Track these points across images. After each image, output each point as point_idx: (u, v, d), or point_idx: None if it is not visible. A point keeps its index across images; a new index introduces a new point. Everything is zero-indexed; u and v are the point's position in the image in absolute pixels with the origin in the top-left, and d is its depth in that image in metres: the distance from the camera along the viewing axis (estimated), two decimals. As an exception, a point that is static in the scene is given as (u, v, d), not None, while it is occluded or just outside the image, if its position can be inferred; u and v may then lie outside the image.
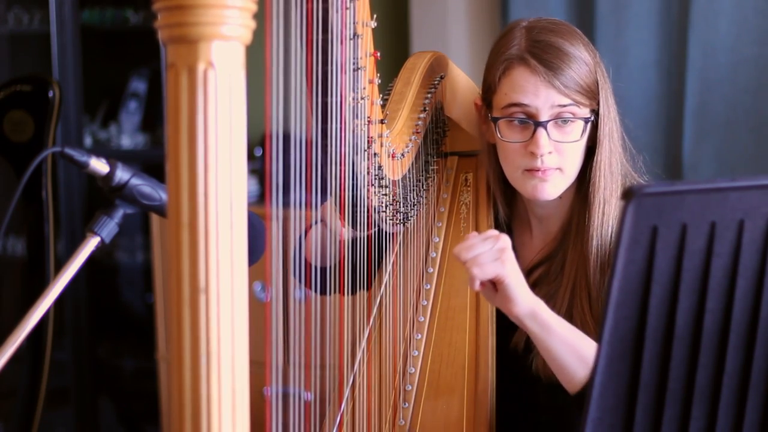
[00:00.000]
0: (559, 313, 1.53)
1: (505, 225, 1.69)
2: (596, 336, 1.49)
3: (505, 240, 1.39)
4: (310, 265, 1.61)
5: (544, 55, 1.52)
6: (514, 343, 1.58)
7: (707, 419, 0.96)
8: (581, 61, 1.53)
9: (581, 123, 1.53)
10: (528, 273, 1.64)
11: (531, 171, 1.54)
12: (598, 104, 1.55)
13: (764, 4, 2.50)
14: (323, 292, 1.57)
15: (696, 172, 2.59)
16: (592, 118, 1.55)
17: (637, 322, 0.92)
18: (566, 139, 1.53)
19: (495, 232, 1.40)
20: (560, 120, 1.52)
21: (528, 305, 1.39)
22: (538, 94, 1.51)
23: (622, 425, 0.95)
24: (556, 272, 1.60)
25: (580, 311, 1.54)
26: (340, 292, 1.49)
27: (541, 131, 1.51)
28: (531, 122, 1.52)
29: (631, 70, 2.72)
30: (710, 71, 2.56)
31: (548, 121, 1.52)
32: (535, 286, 1.62)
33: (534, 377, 1.55)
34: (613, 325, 0.91)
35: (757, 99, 2.53)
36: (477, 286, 1.38)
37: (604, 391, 0.93)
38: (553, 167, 1.54)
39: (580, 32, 1.58)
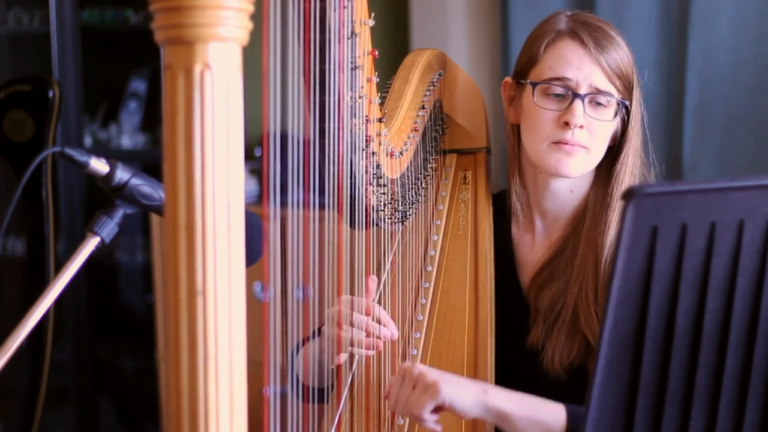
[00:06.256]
0: (567, 306, 1.55)
1: (505, 227, 1.68)
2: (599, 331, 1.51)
3: (418, 368, 1.37)
4: (307, 387, 1.55)
5: (594, 33, 1.55)
6: (530, 342, 1.58)
7: (707, 419, 0.96)
8: (624, 50, 1.57)
9: (615, 105, 1.56)
10: (534, 277, 1.64)
11: (559, 144, 1.55)
12: (630, 100, 1.58)
13: (764, 4, 2.50)
14: (321, 401, 1.54)
15: (696, 172, 2.58)
16: (626, 105, 1.57)
17: (637, 322, 0.92)
18: (599, 117, 1.56)
19: (406, 366, 1.38)
20: (595, 102, 1.55)
21: (479, 406, 1.37)
22: (582, 68, 1.54)
23: (622, 425, 0.95)
24: (565, 266, 1.61)
25: (584, 303, 1.55)
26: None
27: (578, 102, 1.54)
28: (570, 93, 1.54)
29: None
30: (710, 71, 2.55)
31: (586, 95, 1.54)
32: (543, 287, 1.61)
33: (543, 373, 1.55)
34: (613, 325, 0.91)
35: (757, 99, 2.53)
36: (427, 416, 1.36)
37: (604, 391, 0.93)
38: (581, 144, 1.55)
39: None
